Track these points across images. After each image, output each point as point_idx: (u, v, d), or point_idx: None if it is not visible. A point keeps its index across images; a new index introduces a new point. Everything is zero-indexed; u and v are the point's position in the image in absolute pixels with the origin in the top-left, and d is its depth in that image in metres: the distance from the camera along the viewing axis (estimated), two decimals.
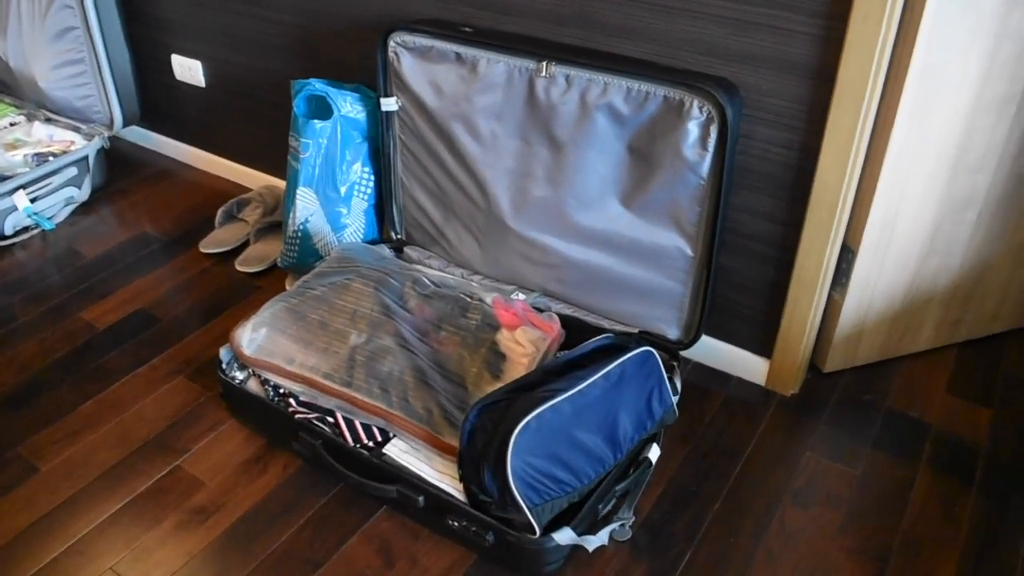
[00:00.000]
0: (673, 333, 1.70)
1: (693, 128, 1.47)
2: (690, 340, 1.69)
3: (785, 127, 1.52)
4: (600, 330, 1.70)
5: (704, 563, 1.44)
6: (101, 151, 2.44)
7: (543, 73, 1.60)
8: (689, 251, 1.60)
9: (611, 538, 1.46)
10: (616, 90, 1.53)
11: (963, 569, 1.43)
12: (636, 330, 1.71)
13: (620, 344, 1.45)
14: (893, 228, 1.66)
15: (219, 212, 2.31)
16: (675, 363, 1.62)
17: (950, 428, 1.70)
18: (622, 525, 1.46)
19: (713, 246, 1.56)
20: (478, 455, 1.29)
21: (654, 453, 1.49)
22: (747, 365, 1.82)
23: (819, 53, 1.43)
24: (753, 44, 1.48)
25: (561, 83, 1.58)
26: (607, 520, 1.44)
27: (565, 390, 1.28)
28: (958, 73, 1.48)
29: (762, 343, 1.78)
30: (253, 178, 2.52)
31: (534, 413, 1.24)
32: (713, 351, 1.84)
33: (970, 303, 1.85)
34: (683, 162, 1.50)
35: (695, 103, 1.46)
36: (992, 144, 1.61)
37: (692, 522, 1.52)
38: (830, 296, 1.74)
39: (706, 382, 1.83)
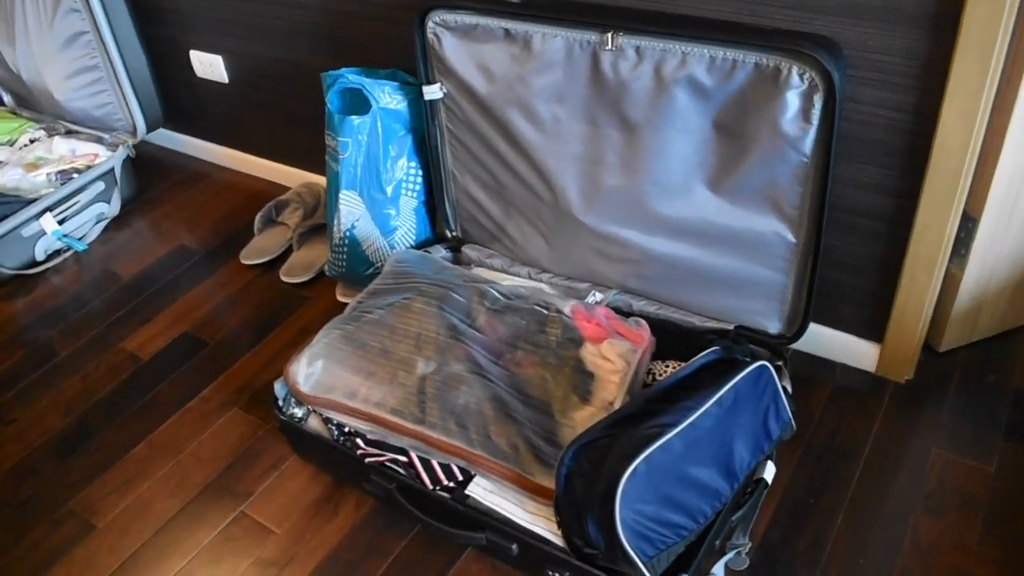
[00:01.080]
0: (774, 327, 1.52)
1: (793, 99, 1.27)
2: (794, 334, 1.51)
3: (896, 87, 1.31)
4: (691, 331, 1.52)
5: None
6: (127, 161, 2.30)
7: (608, 46, 1.39)
8: (791, 237, 1.40)
9: (727, 568, 1.30)
10: (697, 60, 1.32)
11: None
12: (731, 325, 1.53)
13: (728, 358, 1.27)
14: (1020, 190, 1.44)
15: (257, 218, 2.16)
16: (781, 363, 1.44)
17: None
18: (738, 553, 1.30)
19: (820, 230, 1.36)
20: (578, 502, 1.13)
21: (769, 472, 1.32)
22: (854, 351, 1.63)
23: None
24: None
25: (631, 56, 1.38)
26: (721, 551, 1.28)
27: (674, 424, 1.11)
28: None
29: (871, 326, 1.59)
30: (289, 175, 2.36)
31: (642, 456, 1.08)
32: (815, 337, 1.65)
33: None
34: (782, 138, 1.30)
35: (794, 69, 1.25)
36: None
37: (815, 542, 1.36)
38: (947, 269, 1.53)
39: (809, 371, 1.65)
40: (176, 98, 2.47)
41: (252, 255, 2.09)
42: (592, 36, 1.41)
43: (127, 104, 2.28)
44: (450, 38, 1.56)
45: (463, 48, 1.56)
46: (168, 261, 2.15)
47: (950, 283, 1.55)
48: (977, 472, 1.44)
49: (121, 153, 2.27)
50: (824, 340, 1.65)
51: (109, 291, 2.06)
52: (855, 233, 1.49)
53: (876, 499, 1.41)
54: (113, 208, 2.28)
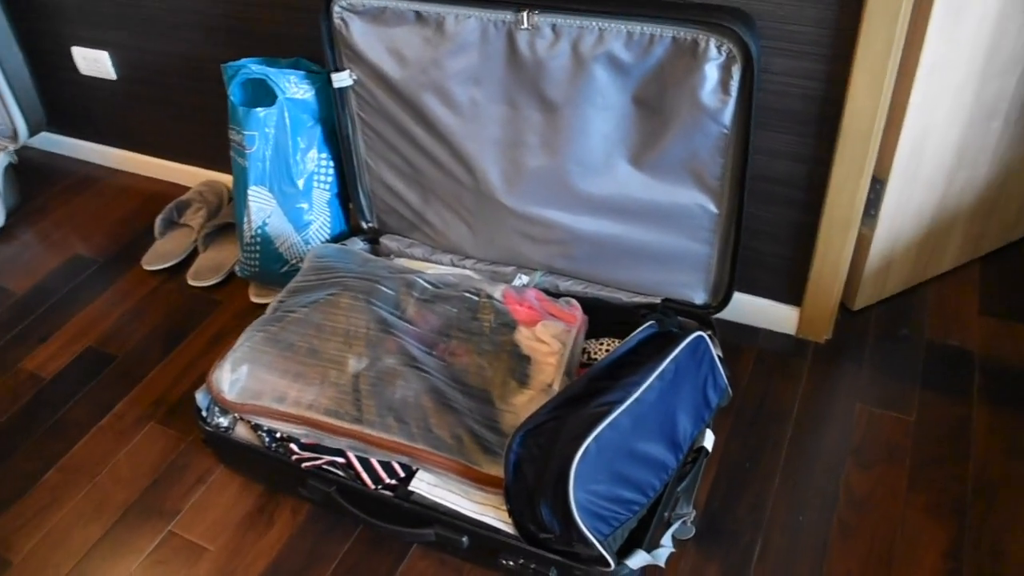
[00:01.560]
0: (700, 297, 1.54)
1: (712, 71, 1.28)
2: (719, 303, 1.53)
3: (808, 56, 1.34)
4: (620, 307, 1.53)
5: (778, 549, 1.31)
6: (9, 168, 2.15)
7: (524, 24, 1.37)
8: (713, 208, 1.42)
9: (674, 538, 1.32)
10: (614, 36, 1.32)
11: None
12: (658, 299, 1.54)
13: (664, 331, 1.27)
14: (923, 150, 1.51)
15: (157, 220, 2.05)
16: (711, 332, 1.46)
17: (993, 352, 1.59)
18: (683, 522, 1.31)
19: (742, 200, 1.38)
20: (529, 488, 1.11)
21: (709, 440, 1.33)
22: (775, 315, 1.67)
23: None
24: None
25: (547, 34, 1.36)
26: (668, 522, 1.29)
27: (620, 401, 1.11)
28: None
29: (790, 290, 1.63)
30: (188, 174, 2.25)
31: (592, 436, 1.07)
32: (737, 305, 1.68)
33: (993, 214, 1.73)
34: (702, 110, 1.31)
35: (711, 42, 1.26)
36: (1017, 46, 1.46)
37: (755, 505, 1.38)
38: (858, 231, 1.59)
39: (733, 338, 1.68)
40: (59, 98, 2.32)
41: (155, 260, 1.99)
42: (507, 15, 1.38)
43: (5, 107, 2.12)
44: (358, 23, 1.51)
45: (372, 33, 1.51)
46: (63, 273, 2.02)
47: (862, 244, 1.61)
48: (899, 423, 1.49)
49: (2, 160, 2.12)
50: (745, 307, 1.68)
51: (0, 308, 1.92)
52: (772, 201, 1.53)
53: (809, 458, 1.45)
54: None
